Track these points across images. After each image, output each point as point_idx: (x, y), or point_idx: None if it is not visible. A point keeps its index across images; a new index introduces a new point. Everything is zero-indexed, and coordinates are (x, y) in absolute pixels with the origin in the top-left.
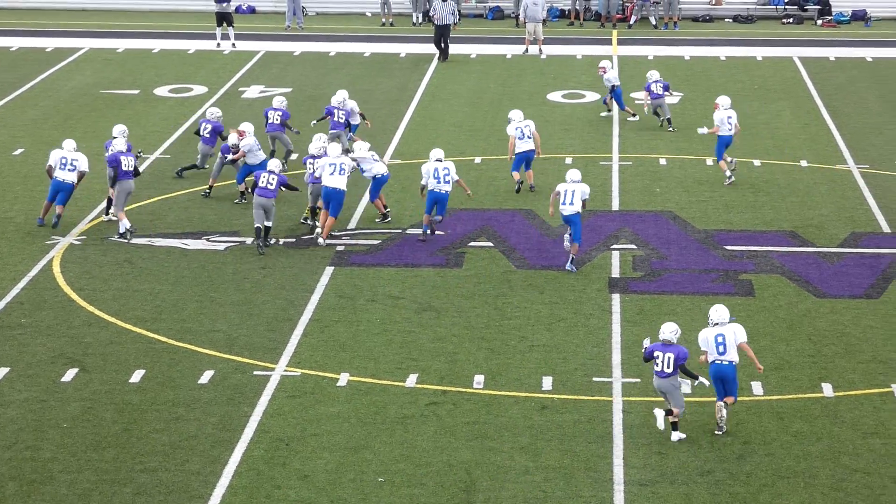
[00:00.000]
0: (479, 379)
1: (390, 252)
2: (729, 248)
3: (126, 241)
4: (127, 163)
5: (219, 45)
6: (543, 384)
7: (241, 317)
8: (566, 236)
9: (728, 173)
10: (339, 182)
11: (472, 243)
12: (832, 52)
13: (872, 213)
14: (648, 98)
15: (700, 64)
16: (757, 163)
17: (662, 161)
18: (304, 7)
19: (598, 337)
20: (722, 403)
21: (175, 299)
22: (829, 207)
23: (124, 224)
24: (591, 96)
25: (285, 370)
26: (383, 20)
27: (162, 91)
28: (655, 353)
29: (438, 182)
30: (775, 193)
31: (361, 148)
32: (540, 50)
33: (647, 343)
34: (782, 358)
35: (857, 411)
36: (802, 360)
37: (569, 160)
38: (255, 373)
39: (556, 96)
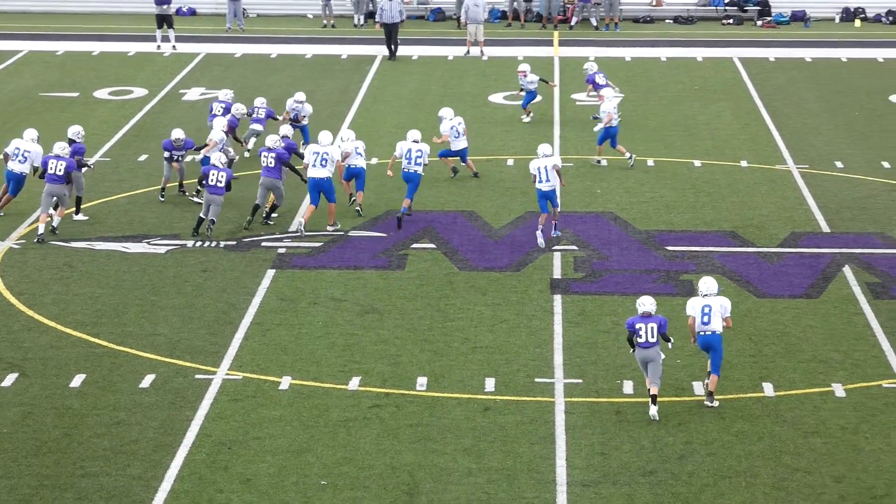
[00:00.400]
0: (421, 381)
1: (332, 254)
2: (670, 248)
3: (40, 243)
4: (54, 166)
5: (159, 47)
6: (486, 386)
7: (183, 320)
8: (543, 214)
9: (629, 154)
10: (323, 172)
11: (414, 245)
12: (772, 53)
13: (812, 213)
14: (592, 89)
15: (641, 65)
16: (697, 163)
17: (603, 162)
18: (244, 9)
19: (541, 338)
20: (710, 380)
21: (116, 303)
22: (769, 208)
23: (40, 227)
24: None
25: (227, 374)
26: (325, 22)
27: (102, 93)
28: (638, 326)
29: (410, 163)
30: (716, 194)
31: (349, 137)
32: (481, 51)
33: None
34: (723, 358)
35: (798, 410)
36: (743, 359)
37: (510, 161)
38: (196, 376)
39: (497, 97)
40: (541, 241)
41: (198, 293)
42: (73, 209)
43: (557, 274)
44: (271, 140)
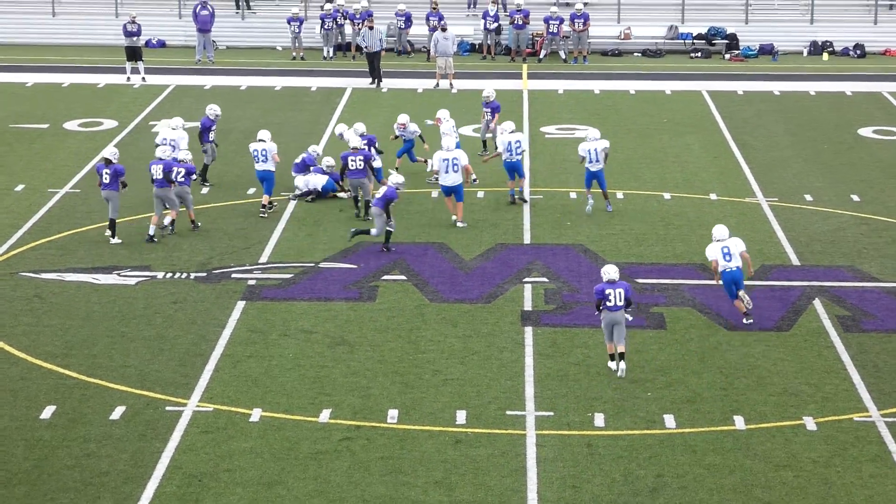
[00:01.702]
0: (392, 413)
1: (303, 286)
2: (640, 280)
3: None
4: (156, 171)
5: (129, 78)
6: (457, 418)
7: (153, 352)
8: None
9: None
10: (456, 178)
11: (385, 277)
12: (740, 86)
13: (782, 245)
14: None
15: (610, 98)
16: (667, 196)
17: (573, 195)
18: (214, 41)
19: (512, 370)
20: (740, 298)
21: (86, 335)
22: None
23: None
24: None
25: (197, 406)
26: (294, 54)
27: (71, 125)
28: (606, 291)
29: (511, 153)
30: (685, 227)
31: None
32: (451, 84)
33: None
34: (694, 391)
35: (769, 444)
36: (714, 392)
37: (480, 194)
38: (167, 408)
39: (467, 130)
40: (589, 209)
41: (168, 325)
42: (169, 221)
43: (528, 306)
44: (355, 140)
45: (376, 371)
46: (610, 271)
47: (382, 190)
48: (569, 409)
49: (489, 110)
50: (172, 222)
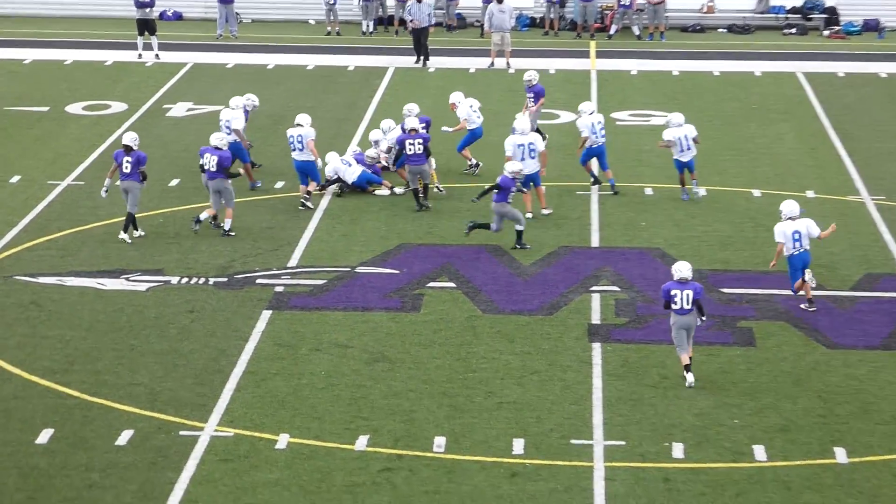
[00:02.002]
0: (439, 441)
1: (337, 293)
2: (726, 290)
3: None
4: (208, 161)
5: (140, 55)
6: (514, 447)
7: (166, 368)
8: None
9: (473, 161)
10: (533, 166)
11: (431, 284)
12: (841, 67)
13: (889, 251)
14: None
15: (690, 80)
16: (757, 193)
17: (649, 191)
18: (237, 13)
19: (577, 393)
20: (805, 278)
21: (89, 347)
22: (841, 245)
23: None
24: (566, 116)
25: (216, 430)
26: (328, 29)
27: (75, 108)
28: (673, 292)
29: (596, 136)
30: None
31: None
32: (508, 63)
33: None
34: (788, 418)
35: (876, 480)
36: (812, 420)
37: (543, 189)
38: (181, 433)
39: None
40: (686, 196)
41: (183, 337)
42: (214, 218)
43: (596, 318)
44: (413, 122)
45: (421, 392)
46: (682, 269)
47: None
48: (643, 439)
49: (532, 95)
50: (215, 217)
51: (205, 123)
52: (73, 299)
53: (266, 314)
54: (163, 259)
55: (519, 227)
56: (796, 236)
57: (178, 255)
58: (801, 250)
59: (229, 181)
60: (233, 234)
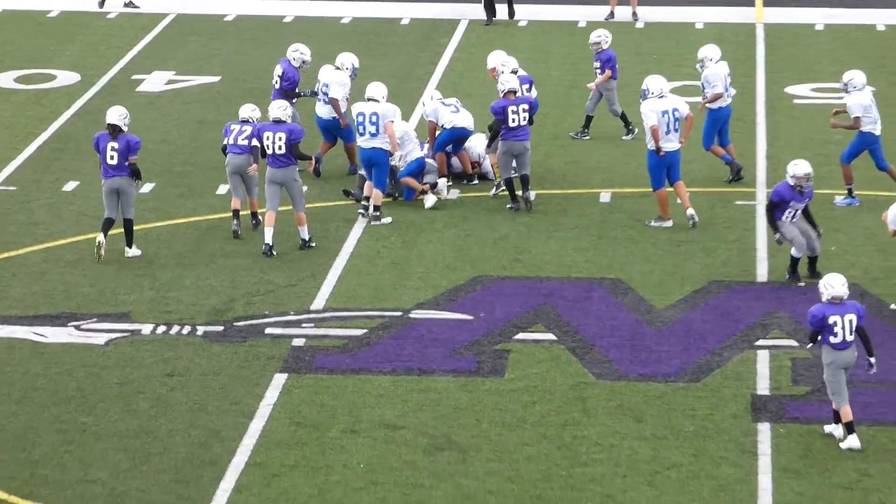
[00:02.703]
0: None
1: (383, 349)
2: None
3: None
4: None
5: (101, 3)
6: None
7: (133, 458)
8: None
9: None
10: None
11: (520, 335)
12: None
13: None
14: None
15: None
16: None
17: (838, 199)
18: None
19: (736, 496)
20: None
21: (21, 428)
22: None
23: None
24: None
25: None
26: None
27: (5, 80)
28: (832, 319)
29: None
30: None
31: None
32: (634, 14)
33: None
34: None
35: None
36: None
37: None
38: None
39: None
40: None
41: (159, 412)
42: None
43: (764, 387)
44: (510, 81)
45: (506, 494)
46: (833, 284)
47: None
48: None
49: (599, 64)
50: (255, 214)
51: (193, 102)
52: (1, 357)
53: (280, 379)
54: (130, 298)
55: (797, 254)
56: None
57: (153, 293)
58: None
59: (298, 172)
60: (314, 244)
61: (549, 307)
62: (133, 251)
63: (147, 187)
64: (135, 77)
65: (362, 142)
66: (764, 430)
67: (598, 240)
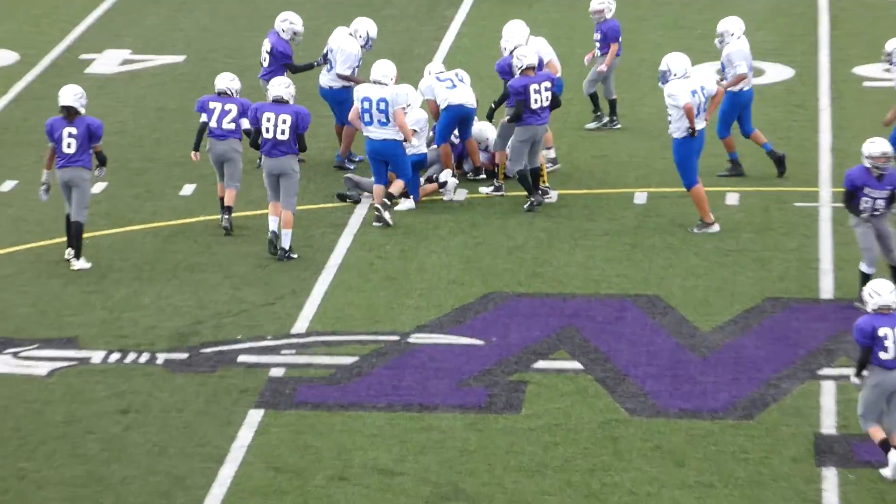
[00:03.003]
0: None
1: (377, 380)
2: None
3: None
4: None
5: None
6: None
7: None
8: None
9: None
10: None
11: (540, 363)
12: None
13: None
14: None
15: None
16: None
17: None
18: None
19: None
20: None
21: None
22: None
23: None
24: (777, 71)
25: None
26: None
27: None
28: (882, 331)
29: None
30: None
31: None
32: None
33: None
34: None
35: None
36: None
37: (732, 199)
38: None
39: (707, 68)
40: None
41: (111, 457)
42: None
43: (829, 425)
44: (528, 55)
45: None
46: (881, 291)
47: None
48: None
49: (599, 35)
50: (228, 209)
51: (153, 86)
52: None
53: (255, 416)
54: (77, 321)
55: (867, 269)
56: None
57: (104, 314)
58: None
59: (298, 162)
60: (295, 255)
61: (575, 330)
62: (81, 263)
63: (98, 187)
64: (83, 57)
65: (372, 131)
66: (830, 475)
67: (632, 249)
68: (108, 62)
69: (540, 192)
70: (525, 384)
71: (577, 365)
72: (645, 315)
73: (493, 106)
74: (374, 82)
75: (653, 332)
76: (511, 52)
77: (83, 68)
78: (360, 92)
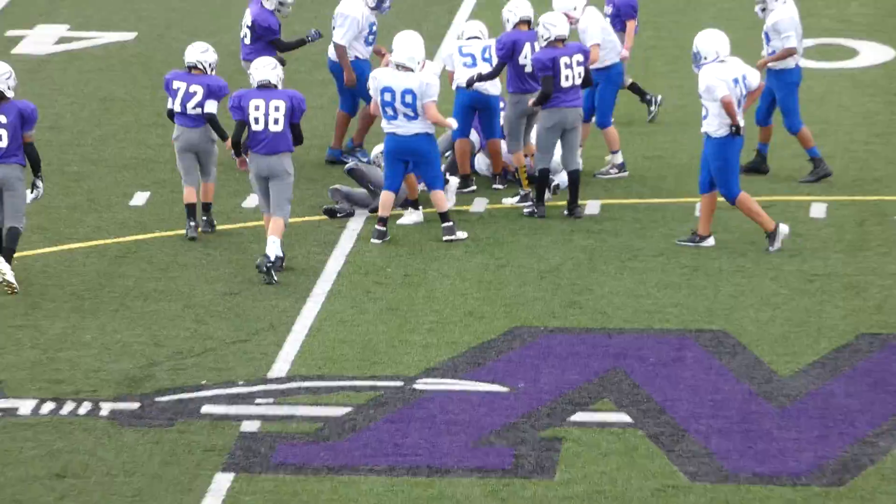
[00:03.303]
0: None
1: (375, 436)
2: None
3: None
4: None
5: None
6: None
7: None
8: None
9: None
10: None
11: (578, 415)
12: None
13: None
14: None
15: None
16: None
17: None
18: None
19: None
20: None
21: None
22: None
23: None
24: (872, 52)
25: None
26: None
27: None
28: None
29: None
30: None
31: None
32: None
33: None
34: None
35: None
36: None
37: (817, 210)
38: None
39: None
40: None
41: None
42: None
43: None
44: (557, 24)
45: None
46: None
47: None
48: None
49: (611, 9)
50: (207, 207)
51: (96, 70)
52: None
53: (223, 481)
54: (3, 361)
55: None
56: None
57: (36, 353)
58: None
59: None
60: (277, 279)
61: (622, 373)
62: (9, 275)
63: (32, 195)
64: (10, 34)
65: (396, 126)
66: None
67: (693, 273)
68: (40, 40)
69: (575, 212)
70: (559, 441)
71: (624, 418)
72: (709, 356)
73: (475, 76)
74: (398, 66)
75: (719, 376)
76: (515, 26)
77: (10, 48)
78: (378, 80)
